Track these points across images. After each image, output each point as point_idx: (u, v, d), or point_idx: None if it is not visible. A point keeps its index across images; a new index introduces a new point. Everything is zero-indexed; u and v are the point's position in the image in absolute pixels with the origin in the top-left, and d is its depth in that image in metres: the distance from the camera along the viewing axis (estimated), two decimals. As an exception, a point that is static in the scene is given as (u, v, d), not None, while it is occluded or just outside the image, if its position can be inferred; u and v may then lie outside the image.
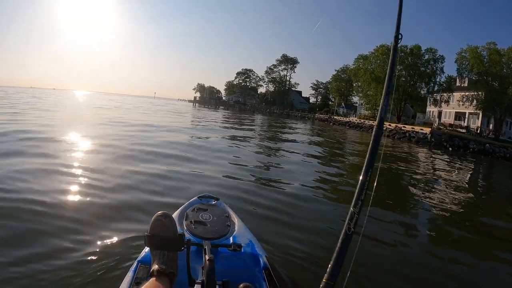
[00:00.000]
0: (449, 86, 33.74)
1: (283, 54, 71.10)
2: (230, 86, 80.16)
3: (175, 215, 1.80)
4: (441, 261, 3.29)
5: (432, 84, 35.44)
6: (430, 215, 5.03)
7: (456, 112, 33.87)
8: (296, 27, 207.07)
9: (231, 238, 1.63)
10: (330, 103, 67.15)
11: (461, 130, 28.23)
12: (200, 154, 7.38)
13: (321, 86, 74.15)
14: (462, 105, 29.99)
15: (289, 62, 70.30)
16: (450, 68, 65.23)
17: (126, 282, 1.35)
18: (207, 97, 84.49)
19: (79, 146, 7.09)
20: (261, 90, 76.53)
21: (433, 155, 15.41)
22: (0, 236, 2.60)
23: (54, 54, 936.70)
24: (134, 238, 2.69)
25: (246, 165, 6.83)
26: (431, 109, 39.17)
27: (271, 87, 73.22)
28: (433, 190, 7.13)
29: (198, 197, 2.05)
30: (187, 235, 1.55)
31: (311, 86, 76.45)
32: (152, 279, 1.10)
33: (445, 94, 34.05)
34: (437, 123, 33.25)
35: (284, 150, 10.40)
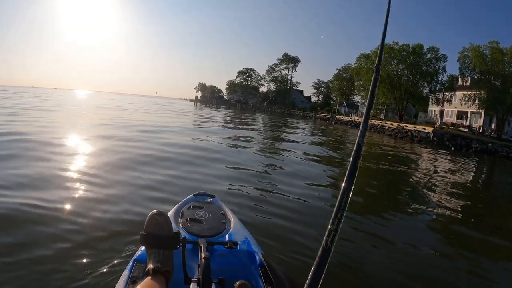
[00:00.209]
0: (451, 85, 33.62)
1: (284, 53, 71.18)
2: (231, 85, 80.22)
3: (171, 213, 1.78)
4: (447, 260, 3.27)
5: (434, 83, 35.29)
6: (433, 215, 4.98)
7: (458, 111, 33.76)
8: (296, 24, 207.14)
9: (227, 236, 1.61)
10: (332, 102, 67.11)
11: (463, 129, 28.15)
12: (200, 156, 7.35)
13: (323, 85, 74.20)
14: (464, 104, 29.83)
15: (291, 61, 70.25)
16: (452, 68, 65.13)
17: (122, 281, 1.34)
18: (209, 96, 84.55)
19: (81, 147, 7.09)
20: (263, 89, 76.70)
21: (436, 155, 15.35)
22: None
23: (54, 54, 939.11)
24: (130, 236, 2.68)
25: (249, 168, 6.80)
26: (433, 108, 39.06)
27: (273, 86, 73.27)
28: (436, 190, 7.10)
29: (194, 195, 2.03)
30: (183, 233, 1.54)
31: (312, 85, 76.60)
32: (148, 278, 1.08)
33: (447, 93, 33.89)
34: (439, 122, 33.15)
35: (286, 150, 10.38)
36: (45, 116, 13.18)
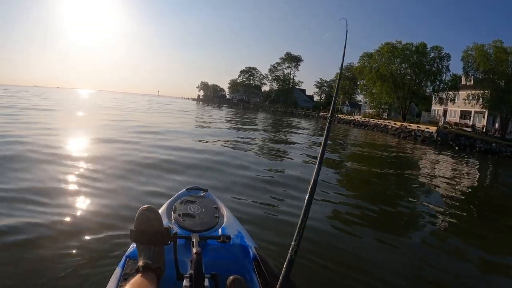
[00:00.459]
0: (455, 85, 33.39)
1: (286, 52, 71.05)
2: (233, 84, 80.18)
3: (163, 208, 1.75)
4: (451, 260, 3.24)
5: (437, 83, 35.05)
6: (436, 216, 4.93)
7: (461, 110, 33.51)
8: (296, 24, 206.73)
9: (220, 230, 1.58)
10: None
11: (466, 129, 27.94)
12: (203, 157, 7.33)
13: (325, 84, 73.99)
14: (468, 103, 29.58)
15: (293, 60, 70.11)
16: (455, 68, 64.77)
17: (114, 277, 1.32)
18: (211, 96, 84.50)
19: (81, 147, 7.09)
20: (265, 88, 76.61)
21: (440, 155, 15.22)
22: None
23: (58, 54, 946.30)
24: (123, 232, 2.66)
25: (252, 171, 6.77)
26: (436, 107, 38.84)
27: (275, 85, 73.14)
28: (441, 189, 7.05)
29: (187, 189, 1.99)
30: (175, 228, 1.51)
31: (315, 84, 76.42)
32: (138, 275, 1.05)
33: (450, 93, 33.69)
34: (442, 121, 32.96)
35: (289, 150, 10.36)
36: (45, 116, 13.22)
